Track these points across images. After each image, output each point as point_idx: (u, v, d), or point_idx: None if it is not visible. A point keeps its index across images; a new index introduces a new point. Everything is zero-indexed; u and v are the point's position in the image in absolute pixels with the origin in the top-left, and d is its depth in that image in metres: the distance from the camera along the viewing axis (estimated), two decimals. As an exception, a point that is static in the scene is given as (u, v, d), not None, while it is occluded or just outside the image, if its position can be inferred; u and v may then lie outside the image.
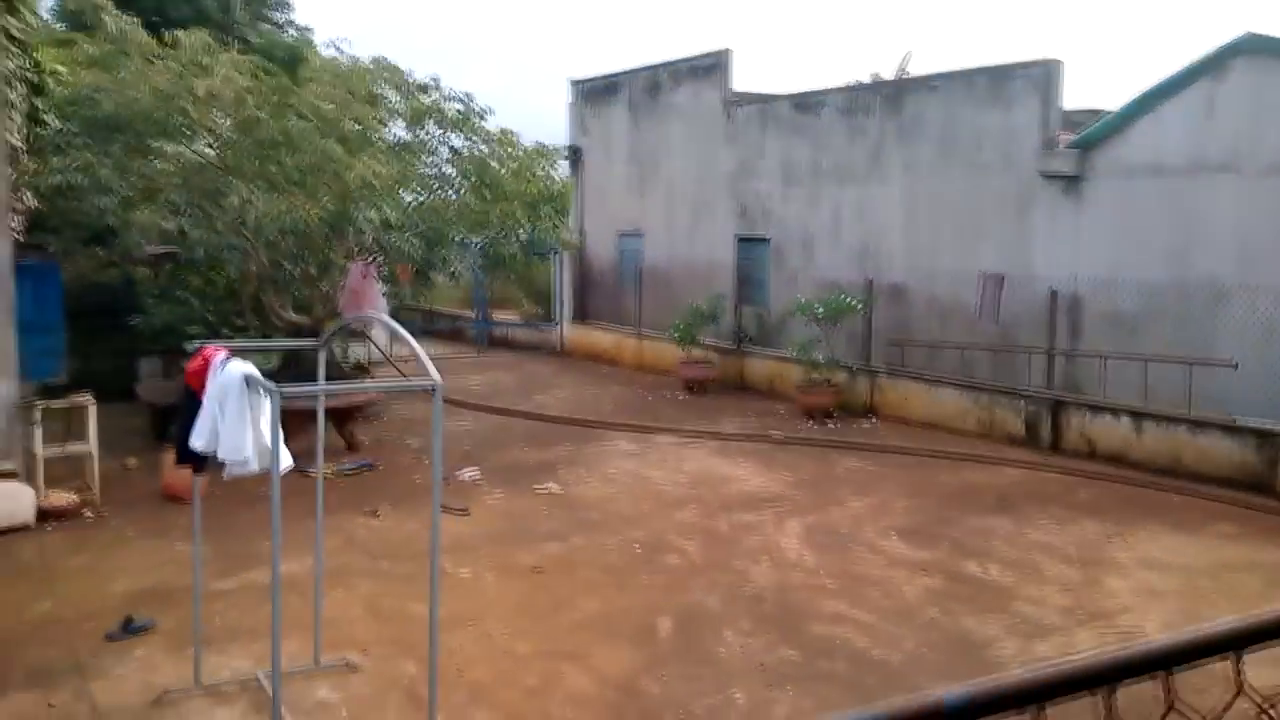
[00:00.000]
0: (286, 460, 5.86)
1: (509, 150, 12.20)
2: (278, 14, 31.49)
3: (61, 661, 6.71)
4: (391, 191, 10.53)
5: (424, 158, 12.22)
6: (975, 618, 7.71)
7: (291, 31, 30.13)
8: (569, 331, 22.95)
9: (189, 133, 11.31)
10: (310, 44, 26.16)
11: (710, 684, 6.51)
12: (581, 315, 23.14)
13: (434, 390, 5.03)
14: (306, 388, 6.24)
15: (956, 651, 7.06)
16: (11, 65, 15.31)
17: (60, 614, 7.52)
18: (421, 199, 11.65)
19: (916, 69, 25.02)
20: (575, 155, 23.13)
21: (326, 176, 10.53)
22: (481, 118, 12.14)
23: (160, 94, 10.52)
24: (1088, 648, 7.35)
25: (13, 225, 12.01)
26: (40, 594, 7.93)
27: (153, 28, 14.72)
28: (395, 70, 11.90)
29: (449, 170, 12.55)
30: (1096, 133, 13.35)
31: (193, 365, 5.90)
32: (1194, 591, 8.36)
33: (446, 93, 12.31)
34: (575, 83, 23.39)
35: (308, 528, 9.78)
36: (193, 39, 11.16)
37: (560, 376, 19.61)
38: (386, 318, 6.35)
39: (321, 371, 6.93)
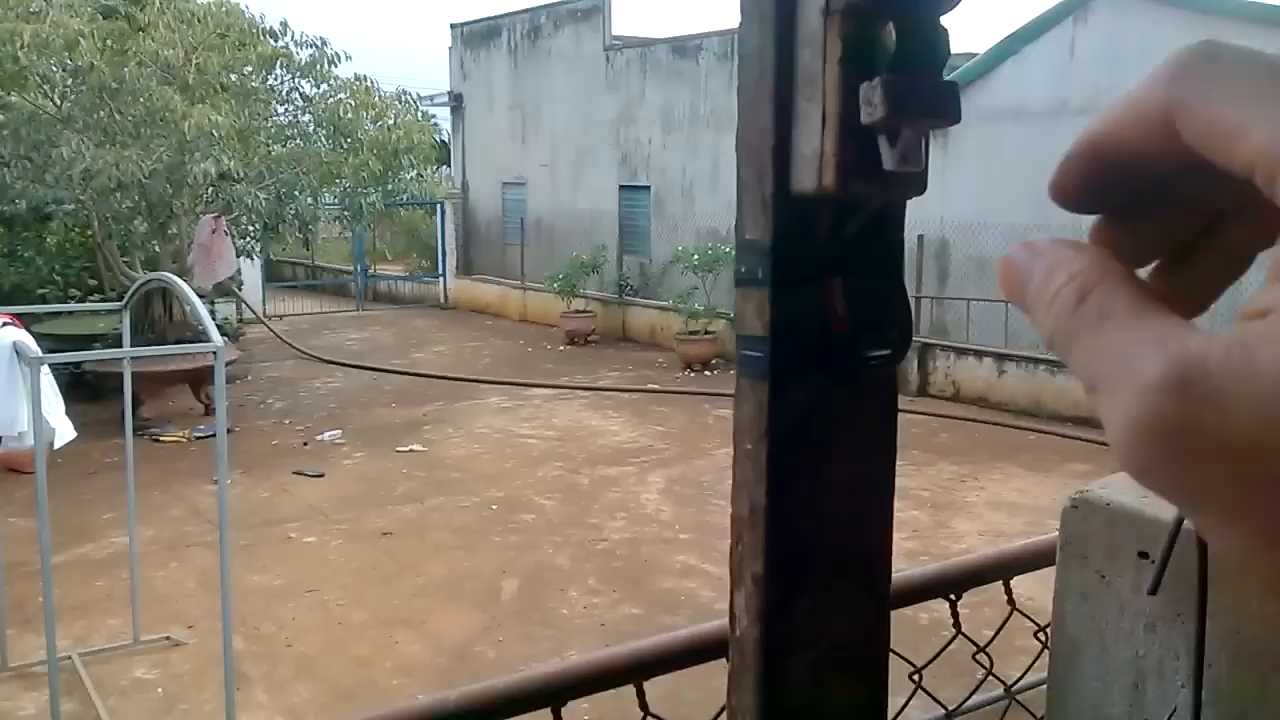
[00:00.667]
0: (66, 432, 5.53)
1: (364, 98, 11.74)
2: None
3: None
4: (231, 141, 10.04)
5: (274, 106, 11.70)
6: (823, 567, 7.74)
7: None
8: (453, 285, 22.54)
9: (22, 80, 10.63)
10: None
11: (547, 646, 6.41)
12: (466, 268, 22.73)
13: (216, 354, 4.75)
14: (74, 355, 5.85)
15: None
16: None
17: None
18: (270, 149, 11.14)
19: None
20: (456, 102, 22.58)
21: (164, 127, 10.00)
22: (334, 64, 11.65)
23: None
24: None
25: None
26: None
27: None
28: (237, 12, 11.32)
29: (304, 118, 12.06)
30: (961, 77, 13.37)
31: (-29, 335, 5.52)
32: (1040, 531, 8.51)
33: (298, 37, 11.78)
34: (455, 26, 22.75)
35: (152, 498, 9.45)
36: (18, -19, 10.45)
37: (441, 331, 19.25)
38: (174, 279, 5.98)
39: (126, 335, 6.57)
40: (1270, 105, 0.29)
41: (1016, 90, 12.89)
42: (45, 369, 5.28)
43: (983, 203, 13.28)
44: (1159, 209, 0.38)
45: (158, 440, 11.40)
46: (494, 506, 9.14)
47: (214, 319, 16.69)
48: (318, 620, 6.80)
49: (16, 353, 5.14)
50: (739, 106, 0.69)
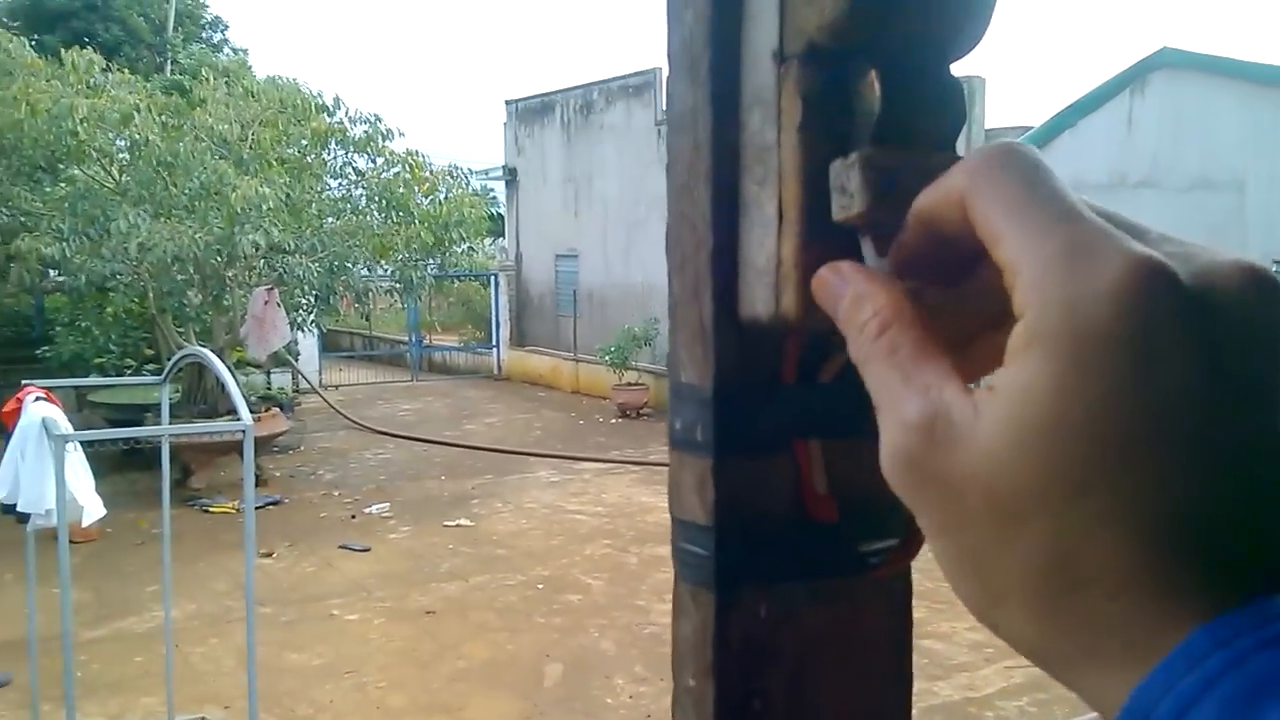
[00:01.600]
0: (95, 510, 5.44)
1: (416, 173, 11.83)
2: (213, 34, 31.02)
3: (-109, 728, 6.24)
4: (280, 214, 10.11)
5: (328, 180, 11.82)
6: (880, 655, 7.40)
7: (227, 52, 29.65)
8: (506, 356, 22.55)
9: (81, 155, 10.87)
10: (245, 65, 25.70)
11: (590, 737, 6.15)
12: (520, 339, 22.75)
13: (244, 433, 4.63)
14: (102, 433, 5.75)
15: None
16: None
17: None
18: (323, 222, 11.23)
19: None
20: (511, 176, 22.82)
21: (217, 200, 10.11)
22: (387, 138, 11.77)
23: (45, 115, 10.07)
24: (992, 688, 7.05)
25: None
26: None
27: (82, 47, 14.24)
28: (295, 90, 11.51)
29: (357, 192, 12.17)
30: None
31: (8, 406, 5.47)
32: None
33: (352, 114, 11.94)
34: (510, 102, 23.08)
35: (197, 570, 9.38)
36: (81, 58, 10.71)
37: (494, 403, 19.19)
38: (208, 354, 5.89)
39: (165, 410, 6.50)
40: (1025, 220, 0.33)
41: (1074, 163, 12.65)
42: (76, 445, 5.21)
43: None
44: (972, 284, 0.40)
45: (207, 511, 11.36)
46: (539, 585, 8.91)
47: (269, 389, 16.82)
48: (355, 703, 6.60)
49: (45, 429, 5.06)
50: (668, 190, 0.52)
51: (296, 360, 19.38)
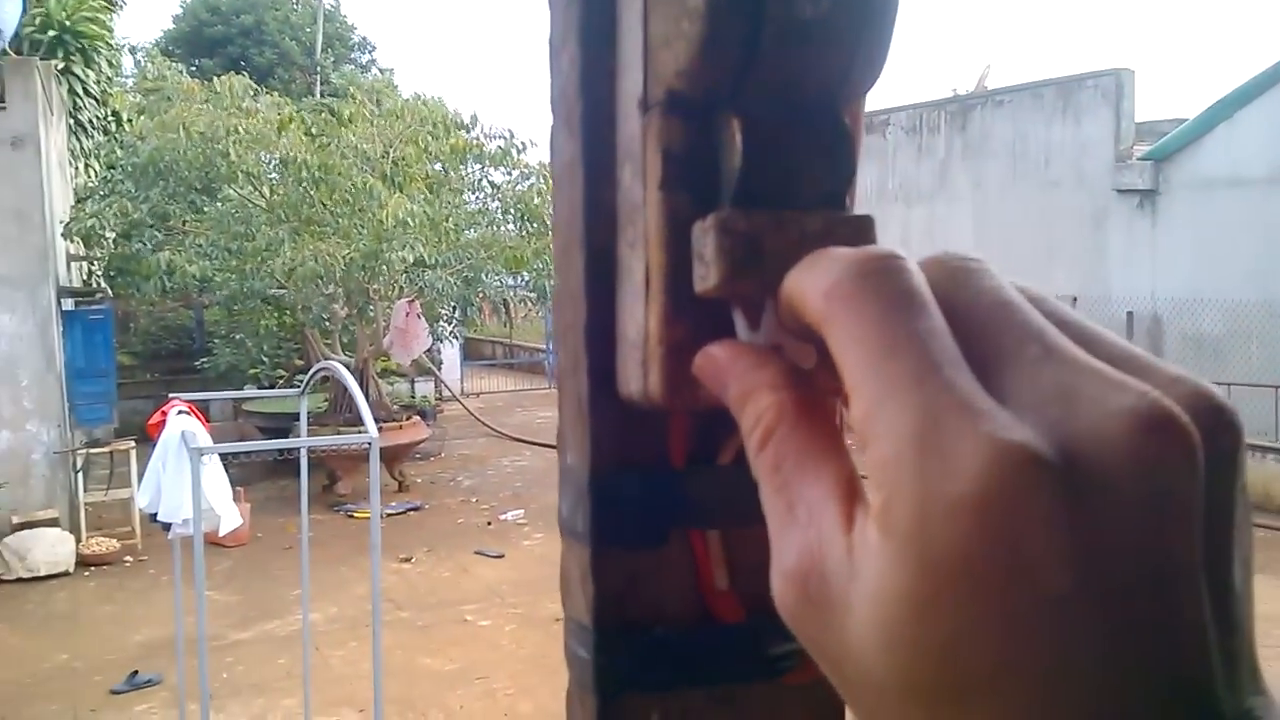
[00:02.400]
0: (231, 520, 5.70)
1: (548, 184, 12.03)
2: (361, 55, 32.22)
3: (61, 716, 6.67)
4: (424, 229, 10.42)
5: (465, 194, 12.14)
6: None
7: (375, 72, 30.71)
8: (642, 362, 22.68)
9: (232, 175, 11.44)
10: (390, 84, 26.64)
11: (714, 749, 6.12)
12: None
13: (370, 445, 4.78)
14: (241, 446, 5.99)
15: None
16: (86, 116, 15.85)
17: (74, 665, 7.50)
18: (460, 235, 11.53)
19: (995, 84, 24.21)
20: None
21: (362, 217, 10.50)
22: (521, 152, 12.02)
23: (200, 137, 10.64)
24: None
25: (73, 272, 12.34)
26: (61, 644, 7.94)
27: (239, 72, 15.00)
28: (436, 107, 11.86)
29: (493, 205, 12.46)
30: (1170, 144, 12.59)
31: (153, 419, 5.79)
32: (1267, 644, 7.63)
33: (488, 130, 12.24)
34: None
35: (340, 574, 9.72)
36: (232, 82, 11.28)
37: (629, 409, 19.29)
38: (339, 367, 6.09)
39: (303, 420, 6.76)
40: (881, 375, 0.29)
41: (1230, 157, 12.00)
42: (214, 457, 5.47)
43: (1196, 276, 12.36)
44: None
45: (351, 516, 11.77)
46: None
47: (413, 397, 17.29)
48: (485, 709, 6.74)
49: (183, 441, 5.32)
50: (553, 251, 0.48)
51: (439, 369, 19.95)
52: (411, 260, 10.13)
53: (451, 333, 14.54)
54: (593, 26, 0.43)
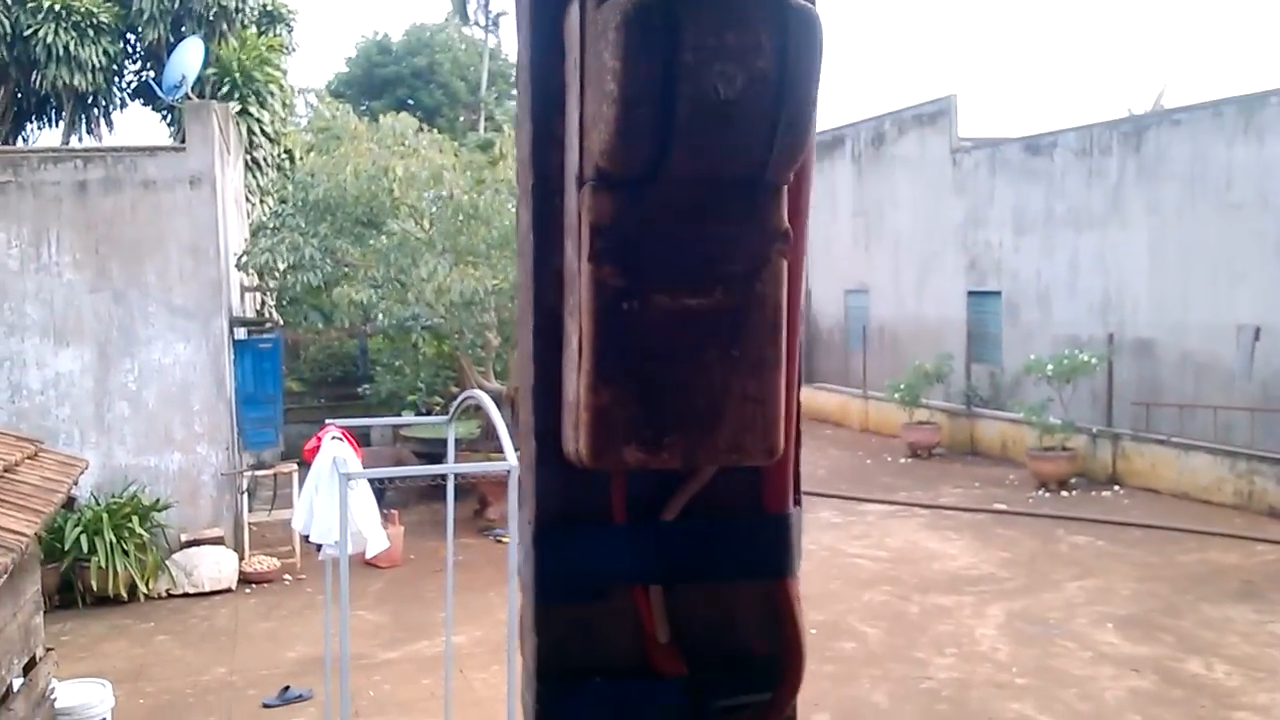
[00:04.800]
0: (379, 542, 5.80)
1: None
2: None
3: (216, 730, 6.92)
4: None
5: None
6: (1189, 731, 6.64)
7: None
8: (796, 392, 22.38)
9: (396, 210, 11.84)
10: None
11: (854, 796, 5.87)
12: (808, 376, 22.52)
13: (509, 473, 4.79)
14: (385, 471, 6.04)
15: (1154, 774, 6.07)
16: (261, 154, 16.73)
17: (231, 679, 7.80)
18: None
19: (1172, 105, 23.00)
20: (801, 213, 22.76)
21: (510, 249, 10.69)
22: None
23: (363, 175, 11.05)
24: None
25: (246, 302, 12.99)
26: (221, 658, 8.27)
27: (407, 111, 15.59)
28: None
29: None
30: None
31: (309, 444, 5.96)
32: None
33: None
34: (800, 139, 23.07)
35: (487, 599, 9.84)
36: (394, 121, 11.70)
37: (781, 440, 19.04)
38: (483, 395, 6.12)
39: (450, 447, 6.85)
40: None
41: None
42: (363, 482, 5.58)
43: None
44: None
45: (500, 541, 11.92)
46: (813, 630, 8.66)
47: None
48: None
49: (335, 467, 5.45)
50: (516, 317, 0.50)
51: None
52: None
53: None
54: (544, 103, 0.46)
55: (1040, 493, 13.82)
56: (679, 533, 0.43)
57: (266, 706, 7.24)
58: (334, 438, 5.66)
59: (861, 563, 10.74)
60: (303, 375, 18.57)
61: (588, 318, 0.41)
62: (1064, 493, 13.79)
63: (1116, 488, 13.98)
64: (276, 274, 11.36)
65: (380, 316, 11.08)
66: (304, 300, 11.84)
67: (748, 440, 0.41)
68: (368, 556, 6.06)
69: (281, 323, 13.45)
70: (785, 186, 0.43)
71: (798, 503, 0.58)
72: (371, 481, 14.18)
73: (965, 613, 9.07)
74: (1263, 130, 12.81)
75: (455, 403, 6.59)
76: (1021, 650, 8.12)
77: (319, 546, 5.81)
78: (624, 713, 0.44)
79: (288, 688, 7.37)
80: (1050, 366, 14.19)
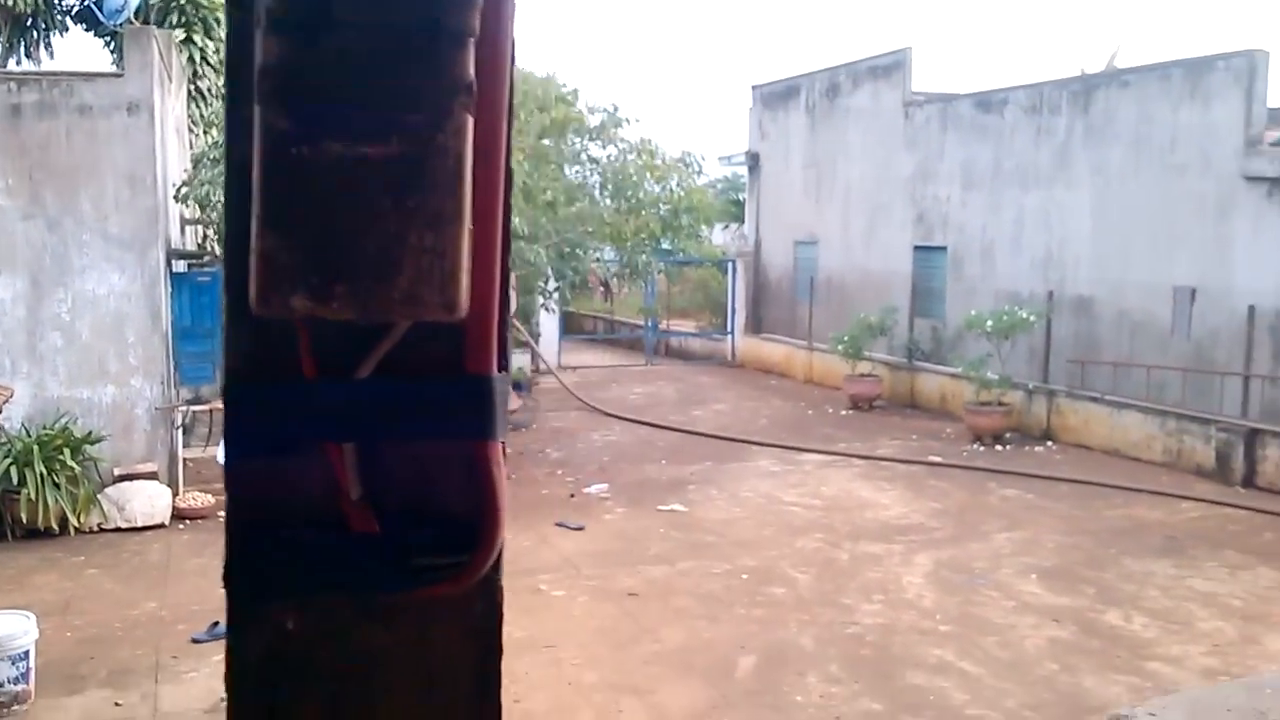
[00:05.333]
0: None
1: (647, 160, 11.95)
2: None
3: (144, 661, 6.91)
4: (515, 201, 10.46)
5: (565, 168, 12.14)
6: (1098, 676, 6.85)
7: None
8: (741, 343, 22.49)
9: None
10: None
11: (774, 734, 6.01)
12: (755, 326, 22.63)
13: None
14: None
15: (1062, 715, 6.26)
16: (206, 84, 16.32)
17: (161, 614, 7.77)
18: (558, 210, 11.52)
19: (1125, 65, 23.15)
20: (753, 162, 22.71)
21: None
22: (619, 126, 11.94)
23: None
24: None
25: (188, 236, 12.75)
26: (151, 593, 8.24)
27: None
28: (542, 82, 11.86)
29: (592, 180, 12.44)
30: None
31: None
32: (1381, 663, 7.15)
33: (591, 104, 12.21)
34: (755, 88, 22.95)
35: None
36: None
37: (724, 390, 19.19)
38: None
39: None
40: None
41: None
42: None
43: (1330, 270, 11.63)
44: None
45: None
46: (745, 576, 8.82)
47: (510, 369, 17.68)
48: (550, 678, 6.75)
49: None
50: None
51: (537, 342, 20.08)
52: (503, 232, 10.15)
53: (544, 305, 14.58)
54: None
55: (975, 446, 14.08)
56: (372, 390, 0.44)
57: (195, 642, 7.24)
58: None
59: (796, 510, 10.90)
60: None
61: (259, 162, 0.40)
62: (998, 447, 14.05)
63: (1050, 443, 14.28)
64: (218, 207, 11.13)
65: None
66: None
67: (424, 293, 0.42)
68: None
69: (208, 259, 13.19)
70: (471, 38, 0.42)
71: (504, 368, 0.59)
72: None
73: (894, 561, 9.25)
74: (1209, 94, 12.96)
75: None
76: (946, 598, 8.31)
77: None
78: (317, 564, 0.46)
79: (217, 623, 7.35)
80: (990, 322, 14.38)
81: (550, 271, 11.37)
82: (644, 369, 21.86)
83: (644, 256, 12.34)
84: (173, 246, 12.50)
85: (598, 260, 12.00)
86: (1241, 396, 12.25)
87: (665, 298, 25.93)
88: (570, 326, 26.42)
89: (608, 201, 12.08)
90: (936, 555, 9.41)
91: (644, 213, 11.77)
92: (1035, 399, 14.71)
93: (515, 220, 10.45)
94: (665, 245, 12.43)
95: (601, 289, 31.21)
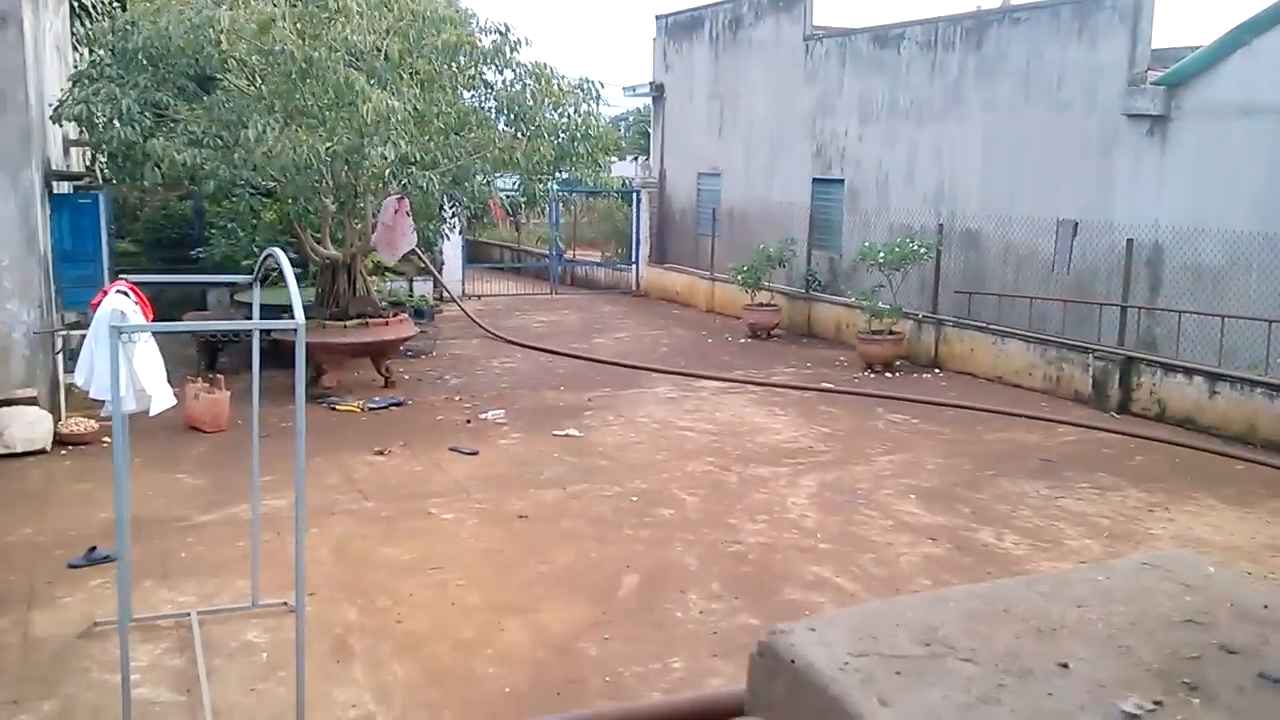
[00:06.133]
0: (163, 400, 5.69)
1: (544, 86, 11.79)
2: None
3: (17, 588, 6.78)
4: (408, 126, 10.25)
5: (459, 92, 11.92)
6: (967, 591, 7.16)
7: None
8: (645, 273, 22.58)
9: (223, 66, 11.26)
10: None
11: (652, 649, 6.17)
12: (660, 257, 22.71)
13: (297, 332, 4.75)
14: (164, 326, 5.88)
15: (928, 627, 6.55)
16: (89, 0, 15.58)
17: (37, 540, 7.62)
18: (449, 135, 11.33)
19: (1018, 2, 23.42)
20: (658, 93, 22.59)
21: (348, 110, 10.33)
22: (515, 49, 11.75)
23: (185, 23, 10.44)
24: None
25: (74, 157, 12.26)
26: (29, 518, 8.06)
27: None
28: (430, 1, 11.58)
29: (487, 104, 12.25)
30: (1184, 69, 12.21)
31: (96, 299, 5.76)
32: (1225, 574, 7.59)
33: (483, 23, 11.97)
34: (660, 18, 22.75)
35: (313, 464, 9.78)
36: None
37: (627, 318, 19.27)
38: (279, 253, 6.01)
39: (256, 308, 6.74)
40: None
41: (1245, 85, 11.62)
42: (149, 337, 5.44)
43: (1201, 205, 12.08)
44: None
45: (334, 409, 11.84)
46: (634, 498, 8.97)
47: (409, 296, 17.30)
48: (433, 599, 6.81)
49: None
50: None
51: (441, 270, 19.88)
52: (392, 157, 9.96)
53: (440, 232, 14.40)
54: None
55: (866, 374, 14.42)
56: None
57: (71, 567, 7.12)
58: (120, 292, 5.45)
59: (690, 435, 11.08)
60: (137, 237, 17.76)
61: None
62: (888, 374, 14.42)
63: (937, 370, 14.69)
64: (96, 127, 10.70)
65: (206, 179, 10.59)
66: (129, 157, 11.20)
67: None
68: (152, 413, 5.91)
69: (114, 180, 12.72)
70: None
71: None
72: (212, 345, 13.78)
73: (780, 483, 9.49)
74: (1095, 33, 13.25)
75: (258, 262, 6.46)
76: (828, 518, 8.57)
77: (102, 403, 5.63)
78: None
79: (94, 548, 7.25)
80: (882, 254, 14.67)
81: (445, 199, 11.20)
82: (548, 298, 21.82)
83: (541, 185, 12.23)
84: (53, 168, 12.04)
85: (490, 188, 11.81)
86: (1119, 326, 12.74)
87: (572, 228, 25.83)
88: (478, 255, 26.21)
89: (503, 128, 11.91)
90: (822, 477, 9.67)
91: (540, 140, 11.64)
92: (924, 328, 15.10)
93: (405, 146, 10.29)
94: (563, 175, 12.31)
95: (509, 219, 30.92)
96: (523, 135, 11.86)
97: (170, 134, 10.46)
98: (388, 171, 10.57)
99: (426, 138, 10.89)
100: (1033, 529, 8.44)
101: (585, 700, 5.55)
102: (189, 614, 6.36)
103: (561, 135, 12.16)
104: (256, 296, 6.77)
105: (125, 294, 5.41)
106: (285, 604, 6.61)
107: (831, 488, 9.39)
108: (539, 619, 6.56)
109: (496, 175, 12.20)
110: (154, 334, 6.02)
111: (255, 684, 5.66)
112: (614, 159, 16.79)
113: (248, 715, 5.31)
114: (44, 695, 5.44)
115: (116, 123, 10.39)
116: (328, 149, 9.94)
